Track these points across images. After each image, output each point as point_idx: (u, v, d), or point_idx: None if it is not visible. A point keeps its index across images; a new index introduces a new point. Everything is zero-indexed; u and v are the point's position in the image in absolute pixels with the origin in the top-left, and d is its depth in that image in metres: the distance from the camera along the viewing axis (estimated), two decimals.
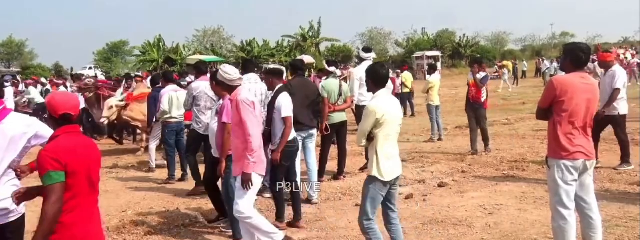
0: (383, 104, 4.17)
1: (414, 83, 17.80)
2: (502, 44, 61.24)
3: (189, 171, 7.88)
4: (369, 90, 4.44)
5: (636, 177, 7.38)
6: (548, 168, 4.21)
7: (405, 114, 17.14)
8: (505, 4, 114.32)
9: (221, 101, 5.31)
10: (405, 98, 17.14)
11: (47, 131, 3.47)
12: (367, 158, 5.09)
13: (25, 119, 3.46)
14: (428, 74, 16.70)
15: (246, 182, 4.60)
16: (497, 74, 39.42)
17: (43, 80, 20.57)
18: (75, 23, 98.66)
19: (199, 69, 7.75)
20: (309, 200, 6.67)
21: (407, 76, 17.21)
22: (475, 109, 9.69)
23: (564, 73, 4.40)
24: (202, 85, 7.26)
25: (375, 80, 4.24)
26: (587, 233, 4.25)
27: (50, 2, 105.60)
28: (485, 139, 9.67)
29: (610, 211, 5.72)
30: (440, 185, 7.40)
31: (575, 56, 4.16)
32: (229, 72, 4.76)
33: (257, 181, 4.76)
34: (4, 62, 58.38)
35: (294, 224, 5.80)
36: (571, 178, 4.10)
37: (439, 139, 11.51)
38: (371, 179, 4.20)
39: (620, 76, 7.73)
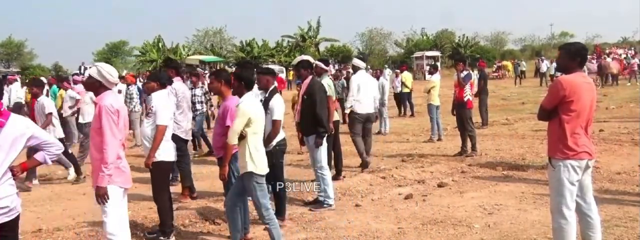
0: (251, 106, 4.68)
1: (414, 83, 17.80)
2: (502, 44, 61.19)
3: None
4: (235, 94, 4.91)
5: (635, 177, 7.38)
6: (552, 168, 4.19)
7: (405, 114, 17.17)
8: (505, 4, 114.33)
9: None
10: (404, 98, 17.16)
11: (42, 132, 3.62)
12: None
13: (24, 120, 3.52)
14: (429, 73, 16.71)
15: (100, 196, 4.09)
16: (497, 74, 39.57)
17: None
18: (75, 23, 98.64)
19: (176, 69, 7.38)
20: (318, 201, 6.61)
21: (406, 76, 17.23)
22: (457, 109, 9.69)
23: (560, 73, 4.38)
24: (182, 87, 7.15)
25: (247, 83, 4.75)
26: (586, 233, 4.25)
27: (50, 2, 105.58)
28: (471, 138, 9.61)
29: (609, 211, 5.72)
30: (439, 185, 7.40)
31: (583, 57, 4.21)
32: (111, 72, 4.24)
33: (118, 196, 4.20)
34: (3, 62, 58.34)
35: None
36: (576, 178, 4.10)
37: (439, 139, 11.51)
38: (251, 175, 4.66)
39: None
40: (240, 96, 4.77)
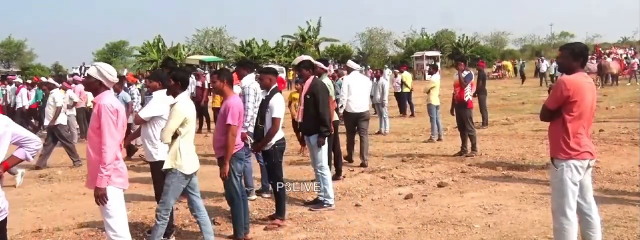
0: (187, 106, 4.79)
1: (414, 83, 17.79)
2: (502, 44, 61.16)
3: None
4: (169, 94, 4.98)
5: (635, 177, 7.38)
6: (555, 168, 4.17)
7: (405, 113, 17.17)
8: (505, 4, 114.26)
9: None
10: (404, 98, 17.15)
11: (21, 129, 3.64)
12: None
13: (2, 118, 3.51)
14: (429, 73, 16.73)
15: (99, 197, 4.04)
16: (497, 74, 39.58)
17: (18, 80, 19.57)
18: (75, 23, 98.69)
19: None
20: (318, 201, 6.61)
21: (406, 76, 17.22)
22: (458, 109, 9.70)
23: (562, 73, 4.38)
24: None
25: (183, 84, 4.87)
26: (586, 233, 4.25)
27: (49, 2, 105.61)
28: (471, 138, 9.63)
29: (609, 211, 5.72)
30: (439, 185, 7.40)
31: (586, 57, 4.23)
32: (111, 71, 4.24)
33: (118, 196, 4.15)
34: (3, 62, 58.39)
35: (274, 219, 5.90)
36: (578, 178, 4.11)
37: (439, 139, 11.51)
38: (174, 172, 4.72)
39: None
40: (175, 96, 4.84)
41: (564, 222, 4.08)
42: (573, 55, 4.17)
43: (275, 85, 5.91)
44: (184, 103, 4.79)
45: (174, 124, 4.68)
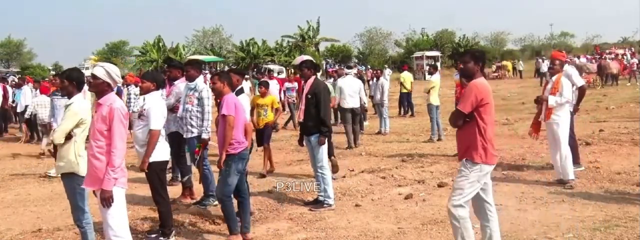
0: (84, 108, 4.66)
1: (413, 83, 17.78)
2: (502, 44, 61.18)
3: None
4: (64, 95, 4.94)
5: (635, 177, 7.38)
6: (467, 171, 4.32)
7: (404, 113, 17.17)
8: (505, 4, 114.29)
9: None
10: (404, 98, 17.14)
11: None
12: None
13: None
14: (429, 73, 16.73)
15: (106, 200, 4.03)
16: (496, 74, 39.60)
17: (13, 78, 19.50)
18: (76, 23, 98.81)
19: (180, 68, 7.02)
20: (318, 201, 6.60)
21: (406, 76, 17.19)
22: None
23: (460, 77, 4.59)
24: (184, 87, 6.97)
25: (78, 85, 4.68)
26: (485, 226, 4.43)
27: (49, 2, 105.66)
28: None
29: (609, 211, 5.72)
30: (439, 185, 7.40)
31: (485, 62, 4.44)
32: (117, 72, 4.24)
33: (120, 196, 4.16)
34: (3, 62, 58.46)
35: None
36: (485, 180, 4.34)
37: (439, 139, 11.51)
38: (73, 176, 4.58)
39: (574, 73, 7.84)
40: (70, 97, 4.68)
41: (464, 216, 4.24)
42: (475, 60, 4.35)
43: (241, 85, 6.20)
44: (80, 104, 4.62)
45: (69, 125, 4.55)
